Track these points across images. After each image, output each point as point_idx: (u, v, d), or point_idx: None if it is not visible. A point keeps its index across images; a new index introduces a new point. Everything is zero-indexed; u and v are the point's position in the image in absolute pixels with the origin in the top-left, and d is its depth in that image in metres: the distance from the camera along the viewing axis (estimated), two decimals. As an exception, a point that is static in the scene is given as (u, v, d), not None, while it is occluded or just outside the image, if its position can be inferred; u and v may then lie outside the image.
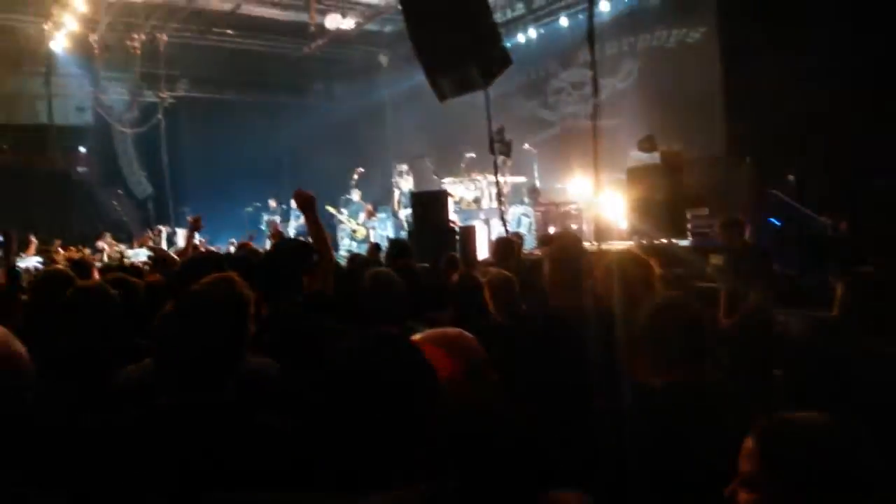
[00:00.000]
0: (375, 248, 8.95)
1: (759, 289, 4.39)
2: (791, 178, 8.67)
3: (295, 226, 15.57)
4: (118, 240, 14.32)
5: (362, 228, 14.02)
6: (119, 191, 17.19)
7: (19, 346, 1.39)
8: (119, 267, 6.22)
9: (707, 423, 1.80)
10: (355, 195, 14.49)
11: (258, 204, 16.10)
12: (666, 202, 9.17)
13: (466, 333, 1.92)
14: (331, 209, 14.46)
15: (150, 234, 14.64)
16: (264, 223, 15.69)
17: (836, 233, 7.54)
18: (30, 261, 10.04)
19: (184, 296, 1.78)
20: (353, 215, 14.25)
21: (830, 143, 8.64)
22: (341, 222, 14.62)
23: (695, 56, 11.90)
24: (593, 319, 2.52)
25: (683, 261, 7.23)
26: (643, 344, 2.05)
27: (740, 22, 10.58)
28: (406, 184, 13.94)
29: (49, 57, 15.08)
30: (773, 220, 8.51)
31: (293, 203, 15.79)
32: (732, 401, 1.96)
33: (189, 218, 6.91)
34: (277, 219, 15.48)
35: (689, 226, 9.15)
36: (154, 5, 13.83)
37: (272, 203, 16.00)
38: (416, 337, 1.74)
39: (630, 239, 10.13)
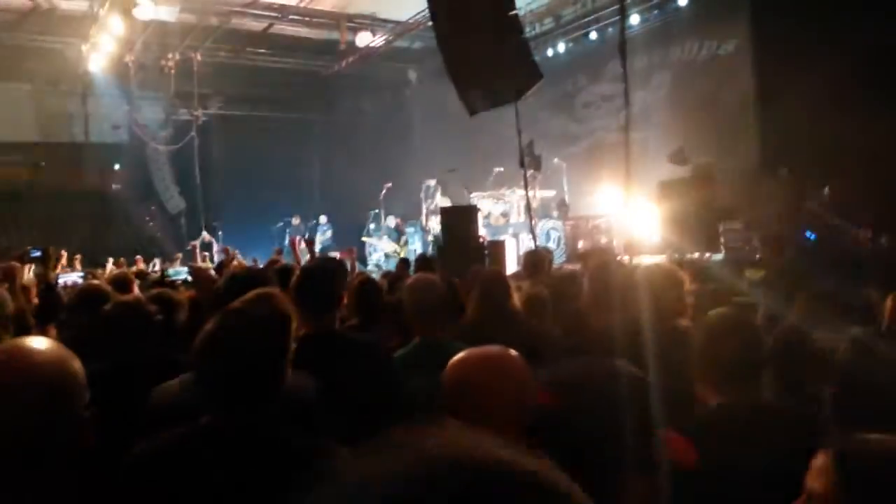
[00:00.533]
0: (405, 263, 8.95)
1: (799, 305, 4.28)
2: (827, 190, 8.52)
3: (321, 240, 15.69)
4: (151, 255, 14.54)
5: (404, 248, 14.00)
6: (153, 206, 17.50)
7: (77, 364, 1.41)
8: (158, 281, 6.30)
9: (762, 443, 1.75)
10: (391, 221, 14.50)
11: (288, 219, 16.26)
12: (698, 215, 9.06)
13: (511, 351, 1.86)
14: (366, 240, 14.54)
15: (183, 252, 14.78)
16: (287, 240, 15.81)
17: (876, 246, 7.38)
18: (70, 276, 10.30)
19: (226, 312, 1.78)
20: (396, 240, 14.27)
21: (868, 154, 8.48)
22: (373, 246, 14.76)
23: (727, 68, 11.79)
24: (632, 339, 2.47)
25: (718, 275, 7.11)
26: (699, 362, 2.00)
27: (774, 33, 10.48)
28: (436, 199, 13.99)
29: (86, 77, 15.44)
30: (809, 233, 8.36)
31: (322, 219, 15.96)
32: (786, 420, 1.91)
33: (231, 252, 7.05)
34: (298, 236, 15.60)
35: (722, 239, 9.03)
36: (188, 26, 14.10)
37: (295, 220, 16.08)
38: (461, 355, 1.70)
39: (662, 253, 10.02)
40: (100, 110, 17.26)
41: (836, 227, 7.98)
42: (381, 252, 14.63)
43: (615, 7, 11.89)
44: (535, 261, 5.85)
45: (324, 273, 2.79)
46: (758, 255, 7.88)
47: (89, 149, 17.32)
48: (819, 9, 9.44)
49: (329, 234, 15.91)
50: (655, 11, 12.49)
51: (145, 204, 17.62)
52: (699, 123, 11.63)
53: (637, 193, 9.10)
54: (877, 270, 5.73)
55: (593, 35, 13.58)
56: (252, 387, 1.66)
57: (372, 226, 15.27)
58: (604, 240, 11.41)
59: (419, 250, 13.38)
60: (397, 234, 14.44)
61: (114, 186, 17.81)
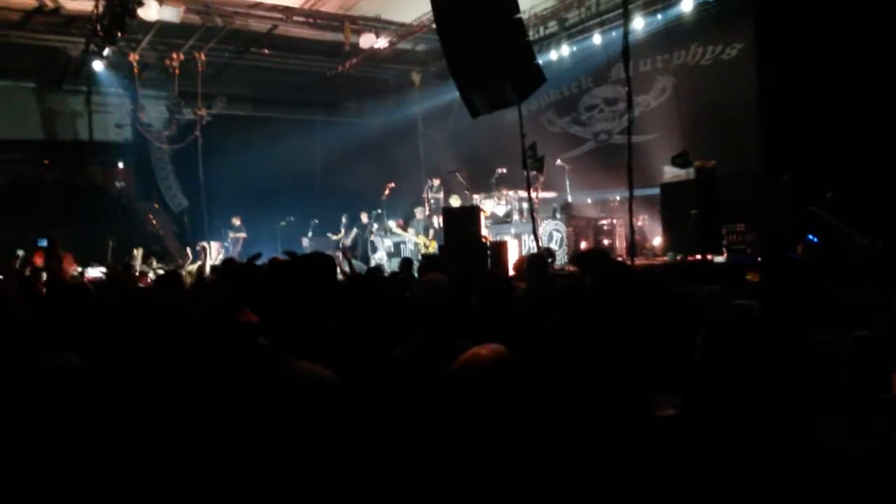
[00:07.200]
0: (407, 262, 9.00)
1: (795, 306, 4.30)
2: (829, 195, 8.54)
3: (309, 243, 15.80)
4: (153, 253, 14.57)
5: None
6: (155, 205, 17.53)
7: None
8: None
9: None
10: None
11: (291, 218, 16.27)
12: (701, 218, 9.09)
13: (500, 347, 1.97)
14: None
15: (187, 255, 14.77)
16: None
17: (874, 252, 7.39)
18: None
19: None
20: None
21: (870, 160, 8.52)
22: (375, 245, 14.76)
23: (730, 72, 11.81)
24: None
25: (721, 278, 7.13)
26: None
27: (778, 38, 10.50)
28: (439, 199, 14.02)
29: (90, 76, 15.48)
30: (811, 237, 8.39)
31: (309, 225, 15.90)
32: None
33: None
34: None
35: (724, 242, 9.05)
36: (193, 26, 14.15)
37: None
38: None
39: (664, 255, 10.06)
40: (104, 109, 17.29)
41: (838, 230, 8.00)
42: (383, 251, 14.65)
43: (619, 11, 11.95)
44: (535, 263, 5.88)
45: (310, 271, 2.85)
46: (759, 258, 7.90)
47: (93, 147, 17.36)
48: (823, 14, 9.47)
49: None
50: (659, 16, 12.49)
51: (148, 202, 17.65)
52: (702, 127, 11.66)
53: (640, 196, 9.13)
54: (874, 274, 5.75)
55: (597, 38, 13.59)
56: None
57: (375, 226, 15.31)
58: (606, 241, 11.45)
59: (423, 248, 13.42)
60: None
61: (117, 184, 17.86)
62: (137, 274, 10.59)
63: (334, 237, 15.89)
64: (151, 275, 11.41)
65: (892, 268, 6.00)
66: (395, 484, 1.91)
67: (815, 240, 8.34)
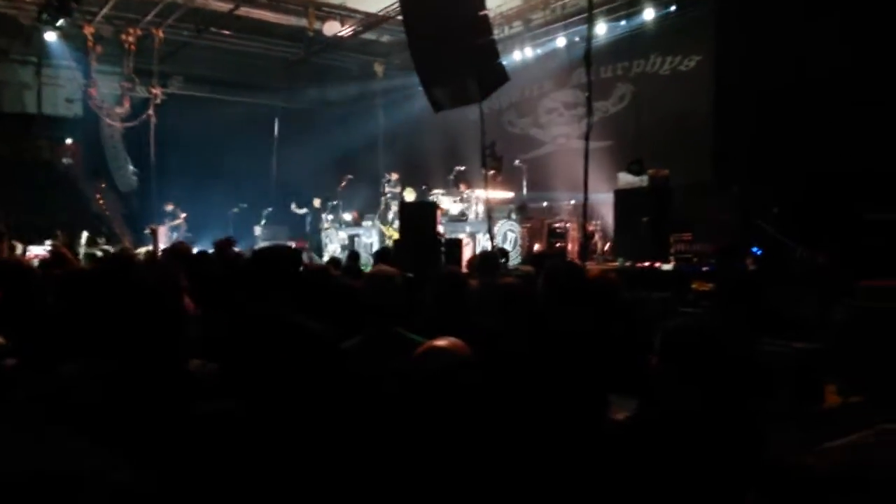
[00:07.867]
0: (354, 256, 8.94)
1: (742, 318, 4.40)
2: (776, 210, 8.77)
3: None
4: (99, 233, 14.18)
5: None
6: (103, 184, 17.02)
7: None
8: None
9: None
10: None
11: (244, 205, 16.01)
12: (652, 225, 9.26)
13: (458, 340, 1.96)
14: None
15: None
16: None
17: (816, 265, 7.62)
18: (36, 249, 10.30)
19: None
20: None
21: (816, 177, 8.79)
22: (329, 238, 14.62)
23: (688, 84, 12.04)
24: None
25: (668, 285, 7.27)
26: None
27: (736, 52, 10.75)
28: (396, 193, 13.90)
29: (41, 46, 14.95)
30: (755, 249, 8.61)
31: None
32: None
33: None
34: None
35: (671, 250, 9.22)
36: (152, 1, 13.79)
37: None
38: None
39: (614, 260, 10.21)
40: (54, 82, 16.72)
41: (781, 243, 8.23)
42: (337, 244, 14.52)
43: (583, 15, 12.06)
44: (487, 261, 5.89)
45: (275, 260, 2.83)
46: (704, 268, 8.08)
47: (41, 120, 16.78)
48: (783, 32, 9.72)
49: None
50: (623, 22, 12.69)
51: (95, 181, 17.13)
52: (658, 136, 11.86)
53: (594, 200, 9.24)
54: (815, 287, 5.94)
55: (560, 42, 13.72)
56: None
57: (330, 217, 15.18)
58: (559, 244, 11.56)
59: (376, 244, 13.33)
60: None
61: (64, 160, 17.27)
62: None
63: (298, 210, 15.77)
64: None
65: (833, 281, 6.20)
66: (342, 476, 1.89)
67: (759, 252, 8.57)
